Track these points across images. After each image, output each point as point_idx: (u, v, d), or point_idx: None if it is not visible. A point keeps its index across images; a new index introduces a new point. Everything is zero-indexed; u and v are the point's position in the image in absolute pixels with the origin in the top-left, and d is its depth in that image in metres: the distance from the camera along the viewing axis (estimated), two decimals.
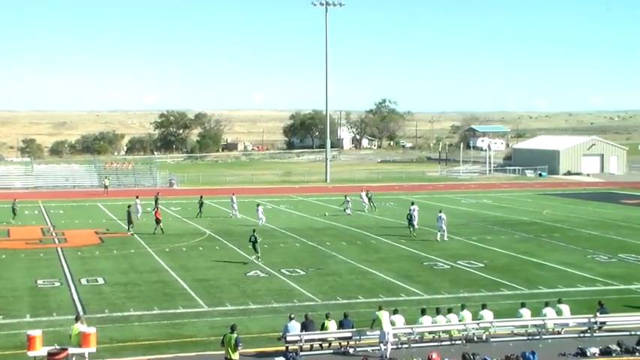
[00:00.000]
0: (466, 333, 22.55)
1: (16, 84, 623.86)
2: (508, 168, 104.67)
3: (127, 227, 45.23)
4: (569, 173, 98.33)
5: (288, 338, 21.24)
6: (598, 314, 23.58)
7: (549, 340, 22.73)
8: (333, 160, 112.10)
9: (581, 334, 23.15)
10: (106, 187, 73.36)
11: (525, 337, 22.98)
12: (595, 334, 23.03)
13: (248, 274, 32.79)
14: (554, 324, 23.33)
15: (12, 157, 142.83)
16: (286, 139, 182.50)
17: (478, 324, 22.76)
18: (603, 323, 23.38)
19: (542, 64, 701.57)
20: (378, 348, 21.39)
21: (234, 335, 19.53)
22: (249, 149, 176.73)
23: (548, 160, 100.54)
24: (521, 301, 25.41)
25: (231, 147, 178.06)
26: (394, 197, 66.54)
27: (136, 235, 43.90)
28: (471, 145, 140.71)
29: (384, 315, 21.47)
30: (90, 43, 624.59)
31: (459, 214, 53.23)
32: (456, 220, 49.18)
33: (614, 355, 21.33)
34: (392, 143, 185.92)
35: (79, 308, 26.63)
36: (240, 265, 34.89)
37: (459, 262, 35.82)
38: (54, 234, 45.38)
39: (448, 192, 75.12)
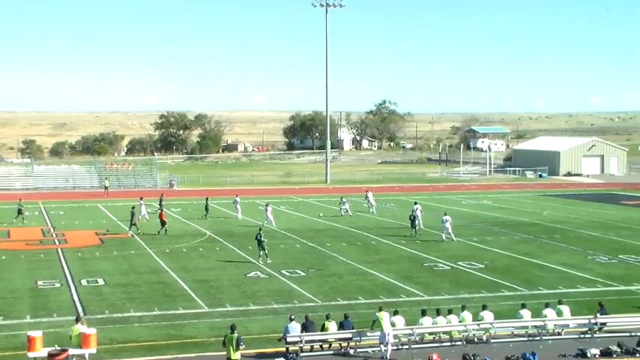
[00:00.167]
0: (466, 334, 22.55)
1: (16, 85, 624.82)
2: (508, 169, 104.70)
3: (128, 227, 45.32)
4: (569, 174, 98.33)
5: (289, 339, 21.24)
6: (598, 315, 23.58)
7: (550, 341, 22.73)
8: (333, 161, 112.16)
9: (582, 335, 23.16)
10: (106, 188, 73.39)
11: (526, 338, 22.98)
12: (595, 335, 23.03)
13: (248, 275, 32.79)
14: (555, 325, 23.34)
15: (12, 158, 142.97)
16: (286, 140, 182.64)
17: (478, 325, 22.76)
18: (604, 324, 23.38)
19: (542, 65, 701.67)
20: (379, 349, 21.40)
21: (235, 335, 19.56)
22: (249, 150, 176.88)
23: (548, 161, 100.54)
24: (521, 302, 25.42)
25: (231, 148, 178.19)
26: (394, 198, 66.53)
27: (135, 236, 43.90)
28: (471, 146, 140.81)
29: (384, 316, 21.47)
30: (90, 43, 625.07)
31: (459, 215, 53.19)
32: (457, 221, 49.03)
33: (614, 356, 21.33)
34: (392, 144, 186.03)
35: (80, 309, 26.63)
36: (241, 266, 34.90)
37: (460, 263, 35.82)
38: (54, 235, 45.38)
39: (448, 193, 75.13)
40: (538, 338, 22.86)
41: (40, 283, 31.24)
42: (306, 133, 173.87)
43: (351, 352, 21.75)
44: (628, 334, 22.99)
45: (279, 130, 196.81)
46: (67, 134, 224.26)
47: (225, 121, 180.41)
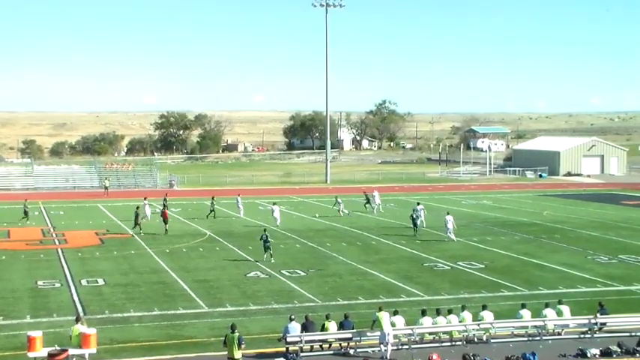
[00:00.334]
0: (466, 334, 22.55)
1: (16, 85, 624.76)
2: (508, 169, 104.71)
3: (133, 227, 45.43)
4: (569, 174, 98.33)
5: (289, 339, 21.24)
6: (598, 315, 23.58)
7: (550, 341, 22.74)
8: (333, 161, 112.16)
9: (582, 335, 23.16)
10: (106, 188, 73.39)
11: (526, 338, 22.98)
12: (595, 335, 23.03)
13: (248, 275, 32.80)
14: (555, 325, 23.34)
15: (12, 158, 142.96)
16: (286, 140, 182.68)
17: (478, 325, 22.76)
18: (604, 324, 23.38)
19: (542, 65, 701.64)
20: (379, 349, 21.40)
21: (236, 334, 19.59)
22: (249, 150, 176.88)
23: (548, 161, 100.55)
24: (521, 302, 25.42)
25: (231, 148, 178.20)
26: (394, 198, 66.50)
27: (136, 236, 43.93)
28: (471, 146, 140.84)
29: (384, 316, 21.47)
30: (90, 43, 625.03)
31: (459, 215, 53.10)
32: (457, 221, 49.06)
33: (614, 356, 21.33)
34: (392, 144, 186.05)
35: (80, 309, 26.62)
36: (241, 266, 34.91)
37: (460, 263, 35.82)
38: (54, 235, 45.38)
39: (448, 193, 75.13)
40: (538, 338, 22.87)
41: (40, 283, 31.24)
42: (306, 133, 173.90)
43: (351, 352, 21.75)
44: (628, 334, 22.99)
45: (279, 130, 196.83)
46: (67, 134, 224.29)
47: (225, 121, 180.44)
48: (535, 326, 23.11)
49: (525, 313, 23.45)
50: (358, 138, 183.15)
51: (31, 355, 19.60)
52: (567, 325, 23.59)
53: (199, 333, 23.96)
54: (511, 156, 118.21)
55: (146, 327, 24.64)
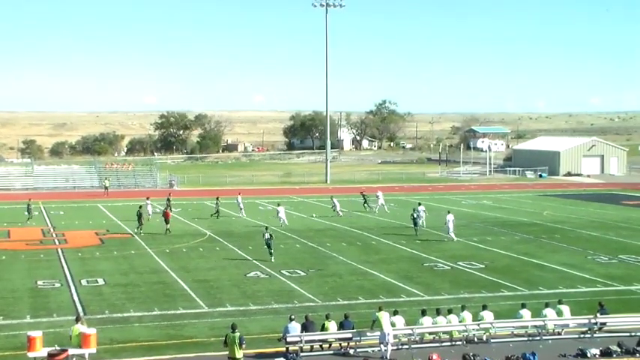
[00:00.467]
0: (466, 334, 22.55)
1: (16, 85, 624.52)
2: (508, 169, 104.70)
3: (137, 226, 45.57)
4: (569, 174, 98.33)
5: (289, 339, 21.24)
6: (598, 315, 23.58)
7: (550, 341, 22.74)
8: (333, 161, 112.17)
9: (582, 335, 23.16)
10: (106, 188, 73.39)
11: (526, 338, 22.98)
12: (595, 335, 23.03)
13: (248, 275, 32.80)
14: (555, 325, 23.34)
15: (12, 158, 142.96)
16: (286, 140, 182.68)
17: (478, 325, 22.76)
18: (604, 324, 23.38)
19: (542, 65, 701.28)
20: (379, 349, 21.40)
21: (237, 334, 19.60)
22: (249, 150, 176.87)
23: (548, 161, 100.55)
24: (521, 302, 25.41)
25: (231, 148, 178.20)
26: (394, 198, 66.45)
27: (136, 236, 43.95)
28: (471, 146, 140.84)
29: (384, 316, 21.47)
30: (90, 43, 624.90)
31: (459, 215, 53.05)
32: (457, 222, 48.93)
33: (614, 356, 21.33)
34: (392, 144, 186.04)
35: (80, 309, 26.63)
36: (241, 266, 34.90)
37: (460, 263, 35.82)
38: (54, 235, 45.39)
39: (448, 193, 75.14)
40: (538, 338, 22.87)
41: (40, 283, 31.24)
42: (306, 133, 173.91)
43: (351, 352, 21.76)
44: (628, 334, 22.98)
45: (279, 130, 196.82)
46: (67, 134, 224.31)
47: (225, 121, 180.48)
48: (535, 326, 23.11)
49: (525, 313, 23.45)
50: (358, 138, 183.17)
51: (31, 355, 19.60)
52: (567, 325, 23.59)
53: (199, 333, 23.96)
54: (511, 156, 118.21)
55: (146, 327, 24.64)
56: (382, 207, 56.80)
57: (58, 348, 19.69)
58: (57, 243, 42.32)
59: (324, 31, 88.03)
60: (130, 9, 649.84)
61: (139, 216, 45.82)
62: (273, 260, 35.85)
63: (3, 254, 38.04)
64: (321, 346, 21.92)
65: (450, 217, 43.02)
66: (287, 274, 33.07)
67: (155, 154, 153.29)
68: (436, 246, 40.90)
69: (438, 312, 23.09)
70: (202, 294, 29.18)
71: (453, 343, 22.39)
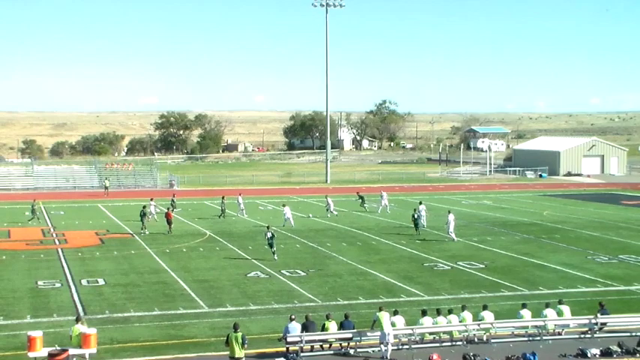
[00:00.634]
0: (467, 334, 22.54)
1: (16, 85, 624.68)
2: (508, 169, 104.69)
3: (141, 226, 45.64)
4: (569, 174, 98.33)
5: (289, 339, 21.23)
6: (599, 315, 23.58)
7: (550, 341, 22.73)
8: (333, 161, 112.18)
9: (582, 335, 23.14)
10: (106, 188, 73.36)
11: (526, 338, 22.97)
12: (595, 335, 23.02)
13: (248, 275, 32.80)
14: (555, 325, 23.33)
15: (12, 158, 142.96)
16: (286, 140, 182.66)
17: (479, 325, 22.75)
18: (604, 324, 23.37)
19: (541, 65, 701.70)
20: (379, 349, 21.40)
21: (240, 334, 19.62)
22: (249, 150, 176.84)
23: (548, 161, 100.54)
24: (521, 302, 25.43)
25: (231, 148, 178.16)
26: (394, 198, 66.41)
27: (136, 236, 43.96)
28: (472, 146, 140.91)
29: (384, 316, 21.46)
30: (90, 43, 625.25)
31: (459, 215, 53.07)
32: (457, 222, 49.09)
33: (614, 356, 21.32)
34: (392, 144, 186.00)
35: (80, 309, 26.63)
36: (241, 266, 34.90)
37: (460, 263, 35.82)
38: (54, 235, 45.39)
39: (448, 193, 75.13)
40: (538, 338, 22.86)
41: (40, 283, 31.24)
42: (306, 133, 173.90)
43: (352, 352, 21.75)
44: (628, 334, 22.98)
45: (280, 130, 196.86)
46: (68, 134, 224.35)
47: (225, 121, 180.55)
48: (535, 326, 23.10)
49: (526, 313, 23.44)
50: (358, 138, 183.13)
51: (31, 355, 19.60)
52: (567, 325, 23.58)
53: (200, 333, 23.96)
54: (511, 156, 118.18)
55: (146, 327, 24.64)
56: (385, 207, 56.78)
57: (58, 348, 19.68)
58: (57, 243, 42.32)
59: (324, 31, 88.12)
60: (130, 9, 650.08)
61: (142, 216, 45.88)
62: (276, 258, 35.96)
63: (3, 254, 38.04)
64: (321, 346, 21.92)
65: (451, 217, 43.03)
66: (287, 274, 33.07)
67: (155, 154, 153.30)
68: (436, 246, 40.89)
69: (439, 312, 23.08)
70: (202, 294, 29.18)
71: (454, 343, 22.39)
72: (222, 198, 54.54)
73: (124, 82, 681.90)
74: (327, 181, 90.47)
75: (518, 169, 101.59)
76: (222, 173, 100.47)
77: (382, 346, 21.22)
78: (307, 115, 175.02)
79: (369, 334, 21.67)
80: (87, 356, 19.90)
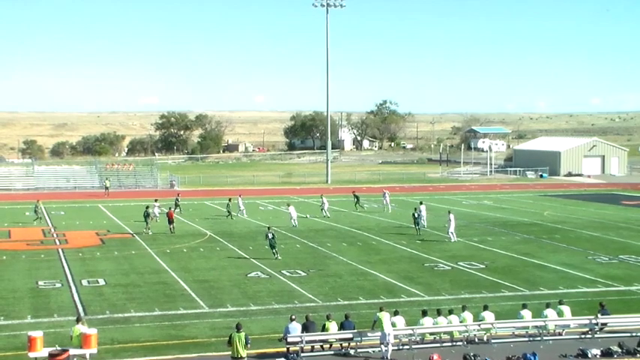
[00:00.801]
0: (467, 334, 22.54)
1: (17, 85, 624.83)
2: (509, 169, 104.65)
3: (145, 226, 45.65)
4: (570, 174, 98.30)
5: (289, 339, 21.24)
6: (599, 315, 23.57)
7: (550, 342, 22.73)
8: (334, 161, 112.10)
9: (582, 336, 23.15)
10: (106, 188, 73.35)
11: (526, 339, 22.98)
12: (596, 336, 23.02)
13: (249, 275, 32.80)
14: (556, 325, 23.34)
15: (13, 159, 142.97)
16: (287, 140, 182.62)
17: (479, 325, 22.75)
18: (604, 324, 23.37)
19: (542, 66, 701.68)
20: (379, 349, 21.40)
21: (243, 334, 19.66)
22: (250, 150, 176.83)
23: (549, 162, 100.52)
24: (522, 302, 25.42)
25: (232, 148, 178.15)
26: (395, 198, 66.37)
27: (136, 237, 43.97)
28: (472, 146, 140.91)
29: (384, 316, 21.47)
30: (91, 44, 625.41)
31: (459, 215, 53.06)
32: (457, 222, 49.06)
33: (615, 356, 21.32)
34: (393, 144, 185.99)
35: (80, 309, 26.64)
36: (241, 266, 34.91)
37: (460, 263, 35.82)
38: (55, 235, 45.39)
39: (449, 193, 75.12)
40: (539, 338, 22.86)
41: (40, 283, 31.25)
42: (306, 133, 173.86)
43: (352, 352, 21.75)
44: (629, 334, 22.98)
45: (280, 131, 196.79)
46: (68, 134, 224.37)
47: (225, 122, 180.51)
48: (536, 326, 23.10)
49: (526, 314, 23.44)
50: (359, 138, 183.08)
51: (31, 355, 19.60)
52: (568, 326, 23.59)
53: (200, 333, 23.96)
54: (512, 156, 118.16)
55: (147, 327, 24.65)
56: (386, 207, 56.76)
57: (59, 348, 19.69)
58: (58, 243, 42.32)
59: (325, 31, 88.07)
60: (130, 9, 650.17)
61: (146, 216, 45.90)
62: (279, 258, 36.04)
63: (4, 254, 38.05)
64: (321, 346, 21.92)
65: (452, 217, 43.01)
66: (287, 274, 33.07)
67: (156, 154, 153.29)
68: (437, 246, 40.89)
69: (439, 312, 23.09)
70: (203, 294, 29.18)
71: (454, 343, 22.39)
72: (229, 200, 54.52)
73: (124, 82, 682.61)
74: (327, 181, 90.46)
75: (518, 169, 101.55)
76: (222, 173, 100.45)
77: (383, 346, 21.23)
78: (308, 116, 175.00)
79: (369, 334, 21.67)
80: (87, 356, 19.91)
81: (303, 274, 33.26)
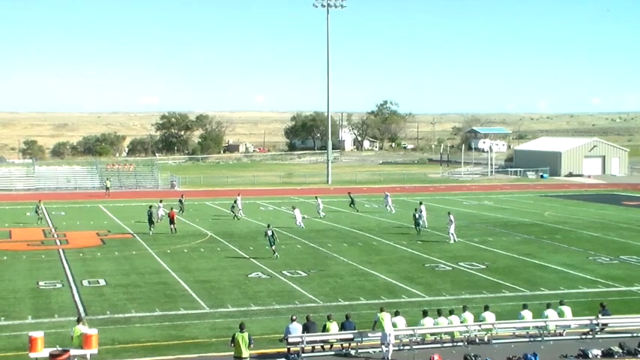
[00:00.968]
0: (468, 334, 22.55)
1: (17, 86, 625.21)
2: (509, 169, 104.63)
3: (149, 227, 45.61)
4: (570, 175, 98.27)
5: (290, 340, 21.24)
6: (600, 316, 23.57)
7: (551, 342, 22.73)
8: (334, 161, 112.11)
9: (583, 336, 23.15)
10: (107, 188, 73.37)
11: (527, 339, 22.98)
12: (597, 336, 23.02)
13: (249, 276, 32.80)
14: (556, 325, 23.34)
15: (13, 159, 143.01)
16: (288, 140, 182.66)
17: (480, 325, 22.75)
18: (605, 325, 23.37)
19: (543, 66, 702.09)
20: (380, 350, 21.40)
21: (246, 333, 19.73)
22: (250, 151, 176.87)
23: (549, 162, 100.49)
24: (522, 302, 25.41)
25: (232, 148, 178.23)
26: (395, 199, 66.37)
27: (137, 237, 43.97)
28: (473, 146, 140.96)
29: (385, 317, 21.47)
30: (91, 44, 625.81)
31: (460, 215, 53.10)
32: (458, 222, 49.02)
33: (615, 356, 21.32)
34: (393, 145, 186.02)
35: (81, 310, 26.65)
36: (242, 267, 34.91)
37: (461, 263, 35.81)
38: (55, 235, 45.39)
39: (449, 193, 75.10)
40: (539, 339, 22.86)
41: (41, 283, 31.25)
42: (307, 133, 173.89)
43: (353, 352, 21.75)
44: (629, 334, 22.98)
45: (281, 131, 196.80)
46: (69, 135, 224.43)
47: (226, 122, 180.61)
48: (536, 327, 23.11)
49: (527, 314, 23.45)
50: (359, 138, 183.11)
51: (32, 355, 19.62)
52: (569, 326, 23.59)
53: (201, 333, 23.96)
54: (512, 156, 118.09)
55: (147, 327, 24.65)
56: (389, 208, 56.77)
57: (59, 348, 19.70)
58: (58, 243, 42.33)
59: (325, 32, 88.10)
60: (130, 9, 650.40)
61: (150, 216, 45.90)
62: (278, 256, 36.05)
63: (4, 255, 38.05)
64: (322, 346, 21.93)
65: (452, 218, 43.00)
66: (288, 274, 33.06)
67: (156, 154, 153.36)
68: (437, 247, 40.88)
69: (440, 313, 23.09)
70: (203, 294, 29.19)
71: (455, 343, 22.40)
72: (234, 201, 54.50)
73: (124, 82, 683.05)
74: (328, 181, 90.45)
75: (519, 169, 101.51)
76: (223, 174, 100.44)
77: (383, 346, 21.23)
78: (308, 116, 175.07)
79: (370, 334, 21.68)
80: (88, 357, 19.93)
81: (304, 274, 33.26)
